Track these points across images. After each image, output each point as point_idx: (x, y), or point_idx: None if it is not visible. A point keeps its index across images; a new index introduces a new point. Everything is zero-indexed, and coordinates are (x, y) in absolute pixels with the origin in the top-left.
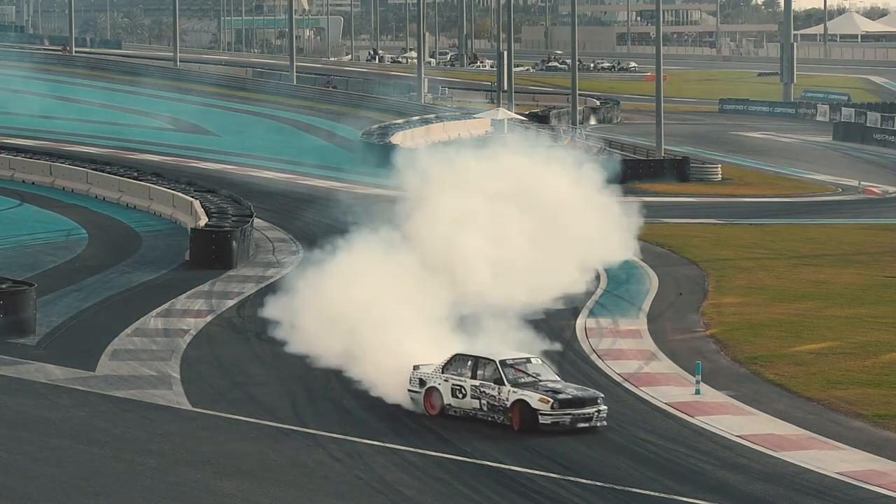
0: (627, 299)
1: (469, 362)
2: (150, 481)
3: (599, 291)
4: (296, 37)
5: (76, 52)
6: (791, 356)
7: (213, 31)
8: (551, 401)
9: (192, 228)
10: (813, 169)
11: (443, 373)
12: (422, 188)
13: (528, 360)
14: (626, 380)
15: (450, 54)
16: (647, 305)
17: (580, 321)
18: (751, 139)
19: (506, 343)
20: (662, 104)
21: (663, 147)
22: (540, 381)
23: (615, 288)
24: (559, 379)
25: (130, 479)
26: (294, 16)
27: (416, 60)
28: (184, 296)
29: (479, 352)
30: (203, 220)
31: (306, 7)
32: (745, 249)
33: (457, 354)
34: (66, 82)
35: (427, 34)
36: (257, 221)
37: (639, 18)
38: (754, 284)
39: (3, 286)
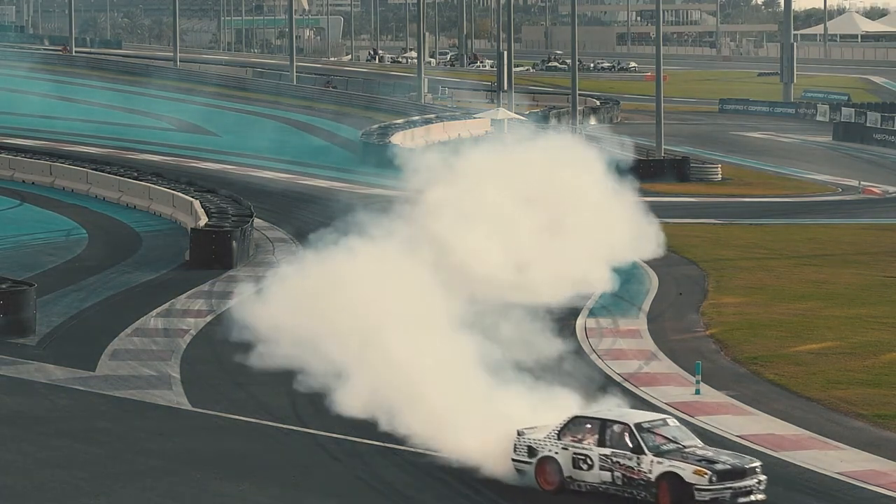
0: (627, 299)
1: (594, 427)
2: (150, 481)
3: (599, 291)
4: (296, 37)
5: (76, 52)
6: (791, 356)
7: (213, 31)
8: (709, 473)
9: (192, 228)
10: (813, 169)
11: (559, 439)
12: (429, 186)
13: (665, 422)
14: (626, 380)
15: (450, 54)
16: (647, 305)
17: (580, 321)
18: (751, 139)
19: (511, 341)
20: (662, 104)
21: (663, 147)
22: (685, 447)
23: (615, 288)
24: (702, 443)
25: (130, 478)
26: (294, 16)
27: (415, 60)
28: (184, 296)
29: (607, 413)
30: (203, 220)
31: (306, 7)
32: (745, 249)
33: (576, 417)
34: (66, 82)
35: (427, 34)
36: (257, 221)
37: (639, 18)
38: (754, 284)
39: (4, 286)
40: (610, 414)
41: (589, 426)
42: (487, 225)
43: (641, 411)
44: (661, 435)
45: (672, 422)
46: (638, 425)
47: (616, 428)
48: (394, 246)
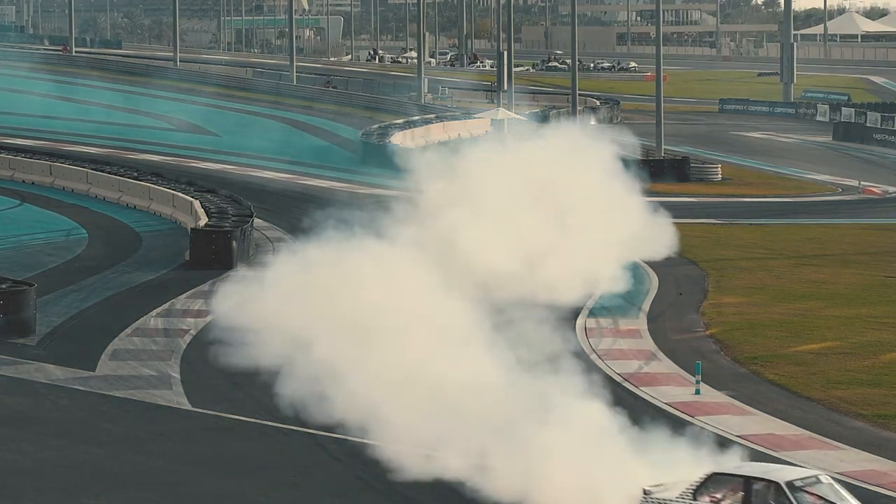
0: (627, 299)
1: (737, 485)
2: (150, 481)
3: (600, 291)
4: (296, 37)
5: (76, 52)
6: (791, 356)
7: (213, 31)
8: None
9: (192, 228)
10: (813, 169)
11: (695, 500)
12: (430, 185)
13: (818, 479)
14: (626, 380)
15: (450, 54)
16: (647, 305)
17: (580, 321)
18: (751, 139)
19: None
20: (662, 104)
21: (663, 147)
22: None
23: (615, 287)
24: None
25: (130, 479)
26: (294, 16)
27: (415, 60)
28: (184, 296)
29: (751, 469)
30: (203, 220)
31: (306, 7)
32: (745, 249)
33: (715, 474)
34: (66, 82)
35: (427, 34)
36: (257, 221)
37: (639, 18)
38: (754, 284)
39: (4, 286)
40: (755, 470)
41: (731, 485)
42: (492, 223)
43: (790, 466)
44: (815, 494)
45: (825, 478)
46: (790, 483)
47: (763, 487)
48: (394, 245)
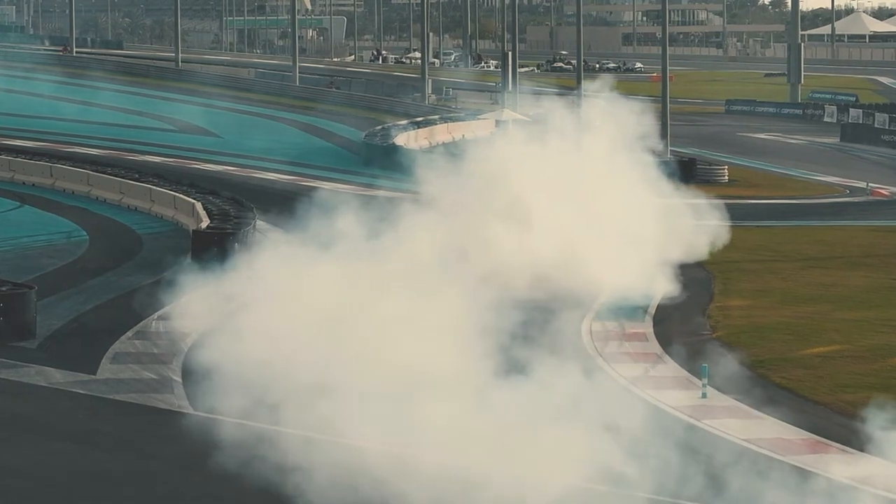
0: (633, 302)
1: None
2: (151, 484)
3: (607, 293)
4: (298, 37)
5: (77, 52)
6: (798, 359)
7: (215, 32)
8: None
9: (193, 230)
10: (820, 170)
11: None
12: (433, 187)
13: None
14: (631, 383)
15: (454, 55)
16: (652, 308)
17: (585, 323)
18: (758, 140)
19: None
20: (668, 105)
21: (670, 148)
22: None
23: (621, 290)
24: None
25: (131, 482)
26: (297, 16)
27: (419, 61)
28: (185, 299)
29: None
30: (205, 222)
31: (309, 7)
32: (752, 251)
33: None
34: (67, 83)
35: (431, 34)
36: (259, 223)
37: (645, 19)
38: (761, 287)
39: (4, 289)
40: None
41: None
42: (500, 222)
43: None
44: None
45: None
46: None
47: None
48: (401, 246)
